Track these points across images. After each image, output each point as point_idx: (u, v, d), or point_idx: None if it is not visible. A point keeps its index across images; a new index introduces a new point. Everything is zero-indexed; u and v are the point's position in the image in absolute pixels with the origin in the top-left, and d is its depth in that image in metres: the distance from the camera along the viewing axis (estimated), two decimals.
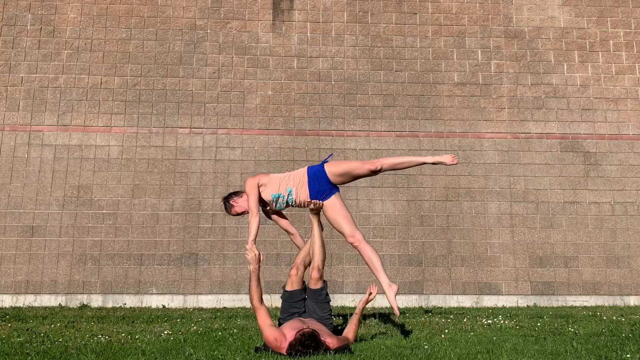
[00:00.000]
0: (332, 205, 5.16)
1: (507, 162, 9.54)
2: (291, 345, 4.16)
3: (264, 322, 4.33)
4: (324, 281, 5.10)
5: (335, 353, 4.24)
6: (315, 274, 5.00)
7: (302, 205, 5.24)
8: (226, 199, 5.45)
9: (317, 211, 5.06)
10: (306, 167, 5.32)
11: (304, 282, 5.09)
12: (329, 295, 5.20)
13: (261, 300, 4.41)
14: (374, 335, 5.34)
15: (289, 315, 4.87)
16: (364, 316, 6.98)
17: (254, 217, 5.02)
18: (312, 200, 5.04)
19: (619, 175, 9.53)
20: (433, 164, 5.43)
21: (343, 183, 5.31)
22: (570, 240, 9.28)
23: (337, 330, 5.13)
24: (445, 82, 9.79)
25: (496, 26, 10.04)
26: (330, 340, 4.31)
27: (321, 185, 5.15)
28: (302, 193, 5.17)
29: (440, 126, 9.63)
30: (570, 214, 9.38)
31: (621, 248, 9.27)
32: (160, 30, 9.75)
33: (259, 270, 4.49)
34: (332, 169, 5.19)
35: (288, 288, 5.06)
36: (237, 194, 5.43)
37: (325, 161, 5.30)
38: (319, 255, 5.08)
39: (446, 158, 5.29)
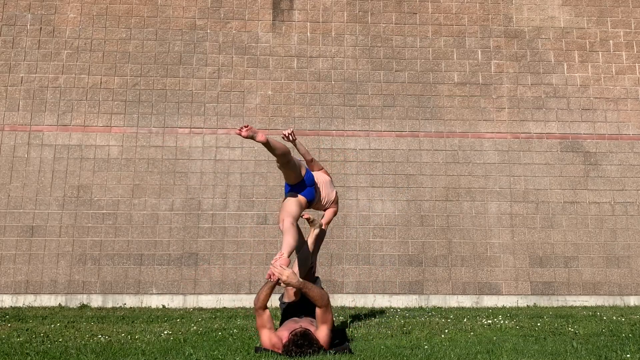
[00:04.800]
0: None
1: (507, 162, 9.53)
2: (285, 346, 4.19)
3: (264, 325, 4.33)
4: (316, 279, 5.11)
5: (335, 353, 4.24)
6: (290, 292, 4.95)
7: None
8: None
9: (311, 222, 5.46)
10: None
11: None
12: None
13: (266, 305, 4.37)
14: (374, 335, 5.33)
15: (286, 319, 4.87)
16: (364, 316, 6.98)
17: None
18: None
19: (619, 175, 9.53)
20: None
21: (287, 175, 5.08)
22: (570, 240, 9.28)
23: (340, 330, 5.13)
24: (445, 82, 9.79)
25: (496, 26, 10.04)
26: (319, 337, 4.31)
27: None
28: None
29: (440, 126, 9.63)
30: (570, 214, 9.38)
31: (621, 248, 9.26)
32: (160, 30, 9.75)
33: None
34: None
35: (286, 300, 5.04)
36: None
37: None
38: (298, 267, 5.07)
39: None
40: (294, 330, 4.25)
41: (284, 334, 4.31)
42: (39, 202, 9.01)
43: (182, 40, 9.72)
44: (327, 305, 4.33)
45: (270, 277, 4.27)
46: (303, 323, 4.46)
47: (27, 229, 8.91)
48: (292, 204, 4.82)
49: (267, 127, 9.48)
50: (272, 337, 4.30)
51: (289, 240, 4.45)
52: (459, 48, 9.92)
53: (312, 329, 4.36)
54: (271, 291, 4.38)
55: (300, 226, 5.12)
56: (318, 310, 4.33)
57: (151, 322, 6.64)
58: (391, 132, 9.57)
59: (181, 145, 9.37)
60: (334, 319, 5.27)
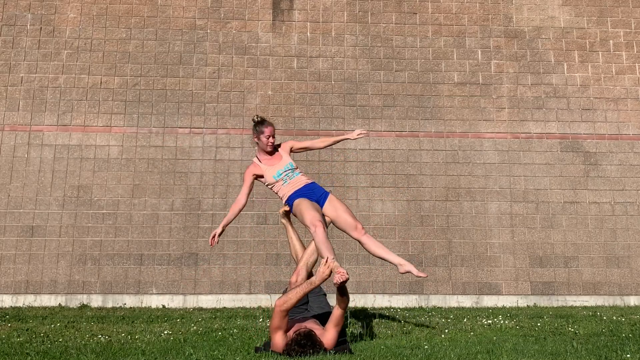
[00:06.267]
0: (297, 204, 4.92)
1: (507, 162, 9.53)
2: (287, 345, 4.21)
3: (281, 327, 4.33)
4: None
5: (335, 353, 4.25)
6: (293, 278, 4.96)
7: (279, 194, 5.13)
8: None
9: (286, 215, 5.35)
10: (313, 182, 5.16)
11: None
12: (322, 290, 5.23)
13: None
14: (374, 336, 5.33)
15: (290, 319, 4.88)
16: (364, 316, 6.98)
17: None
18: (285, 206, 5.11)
19: (619, 175, 9.53)
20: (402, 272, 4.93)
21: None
22: (570, 240, 9.28)
23: (340, 330, 5.12)
24: (445, 82, 9.79)
25: (496, 26, 10.04)
26: (326, 338, 4.34)
27: (310, 195, 4.99)
28: (287, 189, 5.03)
29: (440, 126, 9.63)
30: (570, 214, 9.38)
31: (621, 248, 9.26)
32: (160, 30, 9.75)
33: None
34: (332, 204, 4.98)
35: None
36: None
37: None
38: (304, 258, 5.09)
39: (412, 267, 4.84)
40: (299, 329, 4.28)
41: (290, 333, 4.34)
42: (39, 202, 9.01)
43: (182, 40, 9.72)
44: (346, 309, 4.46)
45: (342, 281, 4.34)
46: (308, 324, 4.48)
47: (27, 229, 8.91)
48: (317, 207, 4.90)
49: None
50: (285, 339, 4.33)
51: (329, 246, 4.68)
52: (459, 48, 9.92)
53: (316, 330, 4.37)
54: (304, 296, 4.44)
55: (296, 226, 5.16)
56: (339, 313, 4.41)
57: (151, 322, 6.64)
58: (391, 132, 9.57)
59: (181, 145, 9.37)
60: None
